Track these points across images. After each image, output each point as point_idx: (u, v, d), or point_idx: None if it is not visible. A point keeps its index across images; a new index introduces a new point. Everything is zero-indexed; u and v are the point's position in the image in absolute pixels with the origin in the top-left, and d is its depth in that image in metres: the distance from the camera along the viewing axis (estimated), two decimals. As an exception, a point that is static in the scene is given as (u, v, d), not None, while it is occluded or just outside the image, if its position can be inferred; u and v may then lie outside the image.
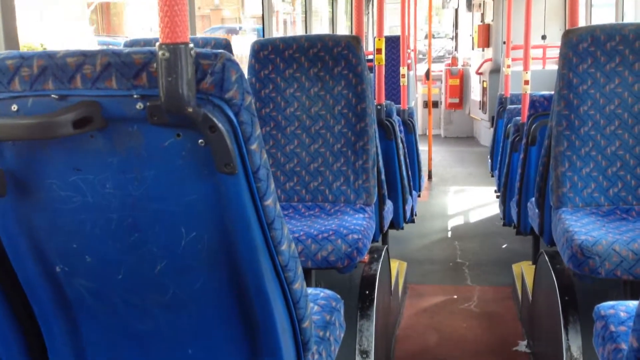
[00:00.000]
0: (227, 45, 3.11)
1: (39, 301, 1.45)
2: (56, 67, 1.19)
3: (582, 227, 2.49)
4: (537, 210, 3.23)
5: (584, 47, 2.82)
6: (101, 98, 1.17)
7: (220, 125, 1.15)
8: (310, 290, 1.81)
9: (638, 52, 2.81)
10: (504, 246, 5.10)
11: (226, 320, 1.37)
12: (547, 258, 2.88)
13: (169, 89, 1.12)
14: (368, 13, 11.54)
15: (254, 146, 1.22)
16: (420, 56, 11.46)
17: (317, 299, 1.77)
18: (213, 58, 1.16)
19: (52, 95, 1.19)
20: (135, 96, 1.16)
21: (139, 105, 1.16)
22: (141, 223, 1.28)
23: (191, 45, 1.13)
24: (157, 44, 1.12)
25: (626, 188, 2.81)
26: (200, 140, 1.17)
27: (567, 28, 2.99)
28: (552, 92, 3.04)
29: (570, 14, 3.15)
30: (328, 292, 1.83)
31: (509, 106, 5.61)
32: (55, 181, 1.26)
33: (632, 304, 1.69)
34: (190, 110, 1.13)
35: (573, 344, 2.44)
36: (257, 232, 1.26)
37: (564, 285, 2.63)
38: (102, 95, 1.17)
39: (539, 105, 3.77)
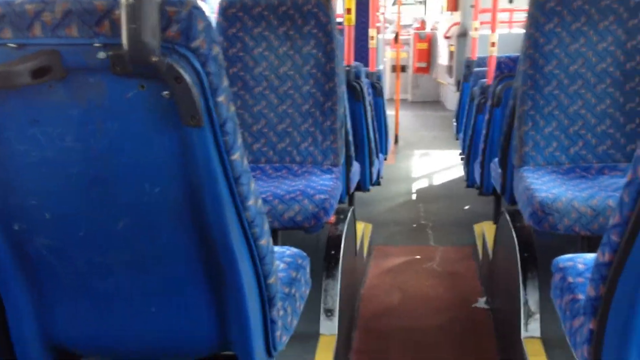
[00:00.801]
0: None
1: (-4, 260, 1.41)
2: (14, 15, 1.14)
3: (542, 185, 2.53)
4: (499, 170, 3.27)
5: (551, 7, 2.84)
6: (61, 47, 1.13)
7: (186, 75, 1.12)
8: (276, 249, 1.80)
9: (604, 11, 2.83)
10: (466, 207, 5.17)
11: (191, 277, 1.36)
12: (507, 216, 2.93)
13: (133, 37, 1.08)
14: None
15: (221, 98, 1.19)
16: (388, 25, 11.39)
17: (283, 256, 1.77)
18: (179, 5, 1.12)
19: (10, 44, 1.14)
20: (97, 45, 1.12)
21: (101, 55, 1.12)
22: (103, 178, 1.25)
23: None
24: None
25: (586, 147, 2.86)
26: (165, 92, 1.14)
27: None
28: (519, 54, 3.05)
29: None
30: (294, 249, 1.83)
31: (475, 69, 5.63)
32: (13, 134, 1.22)
33: (590, 256, 1.73)
34: (154, 59, 1.10)
35: (531, 298, 2.49)
36: (223, 187, 1.24)
37: (523, 242, 2.68)
38: (62, 43, 1.13)
39: (505, 67, 3.79)
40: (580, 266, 1.70)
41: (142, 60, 1.09)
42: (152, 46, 1.09)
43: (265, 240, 1.39)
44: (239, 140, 1.26)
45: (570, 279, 1.65)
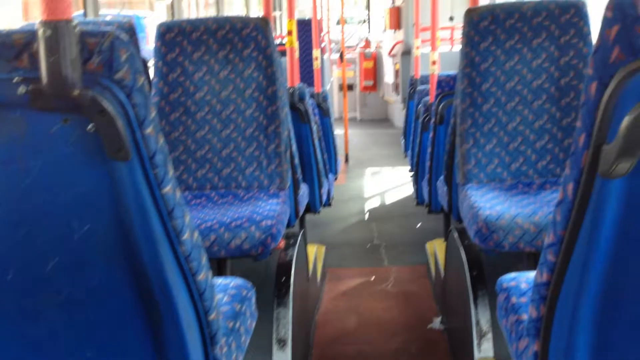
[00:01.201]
0: (130, 27, 2.97)
1: None
2: None
3: (486, 202, 2.54)
4: (445, 188, 3.29)
5: (485, 26, 2.88)
6: None
7: (110, 108, 1.07)
8: (220, 280, 1.75)
9: (536, 29, 2.89)
10: (418, 226, 5.18)
11: (127, 318, 1.30)
12: (456, 234, 2.94)
13: (52, 70, 1.03)
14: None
15: (148, 130, 1.14)
16: (333, 45, 11.48)
17: (227, 288, 1.71)
18: (100, 36, 1.08)
19: None
20: (16, 79, 1.07)
21: (21, 89, 1.07)
22: (29, 217, 1.18)
23: (75, 22, 1.05)
24: (38, 21, 1.03)
25: (527, 162, 2.90)
26: (89, 126, 1.09)
27: (469, 7, 3.04)
28: None
29: None
30: (239, 280, 1.77)
31: (419, 87, 5.69)
32: None
33: (533, 274, 1.73)
34: (76, 92, 1.06)
35: (482, 317, 2.49)
36: (156, 222, 1.19)
37: (472, 260, 2.68)
38: None
39: (446, 85, 3.84)
40: (524, 285, 1.70)
41: (63, 93, 1.05)
42: (72, 79, 1.05)
43: (204, 274, 1.33)
44: (170, 172, 1.21)
45: (514, 299, 1.65)
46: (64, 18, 1.04)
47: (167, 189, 1.20)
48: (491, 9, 2.91)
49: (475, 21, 2.88)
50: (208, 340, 1.38)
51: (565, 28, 2.88)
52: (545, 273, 1.28)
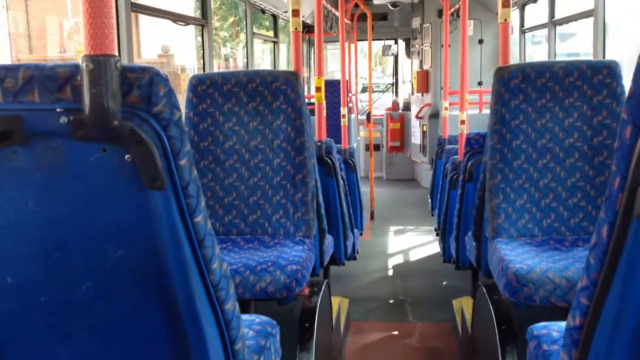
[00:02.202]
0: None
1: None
2: None
3: (517, 256, 2.53)
4: (474, 243, 3.28)
5: (515, 84, 2.92)
6: (23, 112, 1.14)
7: (147, 139, 1.13)
8: (245, 316, 1.77)
9: (568, 88, 2.92)
10: (444, 283, 5.14)
11: (156, 343, 1.33)
12: (484, 289, 2.91)
13: (94, 101, 1.10)
14: (310, 58, 11.73)
15: (183, 161, 1.20)
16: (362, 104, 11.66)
17: (252, 324, 1.73)
18: (140, 72, 1.15)
19: None
20: (59, 110, 1.14)
21: (63, 119, 1.13)
22: (65, 242, 1.24)
23: (117, 57, 1.12)
24: (82, 55, 1.11)
25: (559, 219, 2.89)
26: (127, 156, 1.15)
27: (499, 65, 3.09)
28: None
29: (502, 51, 3.26)
30: (263, 317, 1.80)
31: (447, 146, 5.75)
32: None
33: (564, 324, 1.72)
34: (115, 123, 1.12)
35: None
36: (187, 250, 1.24)
37: (501, 315, 2.65)
38: (24, 109, 1.15)
39: (475, 143, 3.88)
40: (555, 334, 1.69)
41: (104, 124, 1.11)
42: (113, 110, 1.11)
43: (231, 304, 1.37)
44: (202, 203, 1.26)
45: (545, 347, 1.64)
46: (107, 53, 1.11)
47: (199, 218, 1.25)
48: (522, 68, 2.95)
49: (505, 79, 2.92)
50: None
51: (598, 88, 2.89)
52: (578, 317, 1.26)
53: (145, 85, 1.15)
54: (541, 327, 1.76)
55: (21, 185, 1.20)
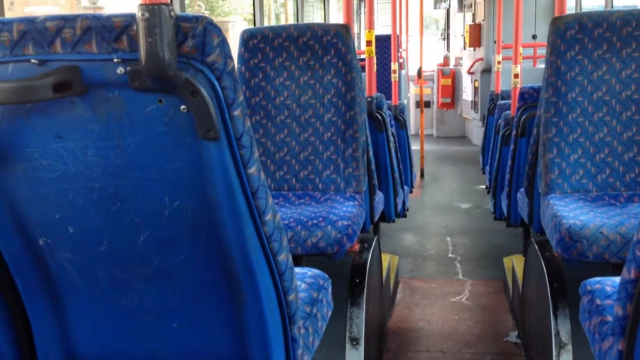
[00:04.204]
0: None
1: (22, 277, 1.43)
2: (36, 32, 1.17)
3: (570, 212, 2.48)
4: (526, 199, 3.23)
5: (572, 35, 2.82)
6: (81, 62, 1.15)
7: (202, 89, 1.13)
8: (297, 269, 1.79)
9: (625, 39, 2.81)
10: (494, 241, 5.09)
11: (211, 292, 1.35)
12: (536, 246, 2.87)
13: (150, 51, 1.10)
14: (360, 13, 11.55)
15: (237, 112, 1.20)
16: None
17: (304, 277, 1.75)
18: (194, 21, 1.14)
19: (32, 60, 1.17)
20: (115, 60, 1.14)
21: (120, 70, 1.14)
22: (123, 192, 1.26)
23: (171, 6, 1.12)
24: (137, 5, 1.10)
25: (614, 174, 2.81)
26: (182, 106, 1.15)
27: (555, 16, 2.99)
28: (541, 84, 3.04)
29: (558, 1, 3.15)
30: (315, 270, 1.81)
31: (500, 102, 5.62)
32: (37, 150, 1.24)
33: (619, 279, 1.69)
34: (171, 73, 1.12)
35: (562, 329, 2.42)
36: (241, 201, 1.24)
37: (552, 272, 2.62)
38: (82, 59, 1.15)
39: (529, 97, 3.77)
40: (609, 288, 1.66)
41: (159, 74, 1.11)
42: (168, 60, 1.11)
43: (285, 256, 1.38)
44: (256, 154, 1.26)
45: (599, 301, 1.61)
46: (162, 2, 1.10)
47: (253, 169, 1.25)
48: (578, 18, 2.85)
49: (561, 30, 2.83)
50: (287, 319, 1.42)
51: None
52: (634, 270, 1.24)
53: (199, 34, 1.14)
54: (595, 282, 1.73)
55: (80, 136, 1.22)
